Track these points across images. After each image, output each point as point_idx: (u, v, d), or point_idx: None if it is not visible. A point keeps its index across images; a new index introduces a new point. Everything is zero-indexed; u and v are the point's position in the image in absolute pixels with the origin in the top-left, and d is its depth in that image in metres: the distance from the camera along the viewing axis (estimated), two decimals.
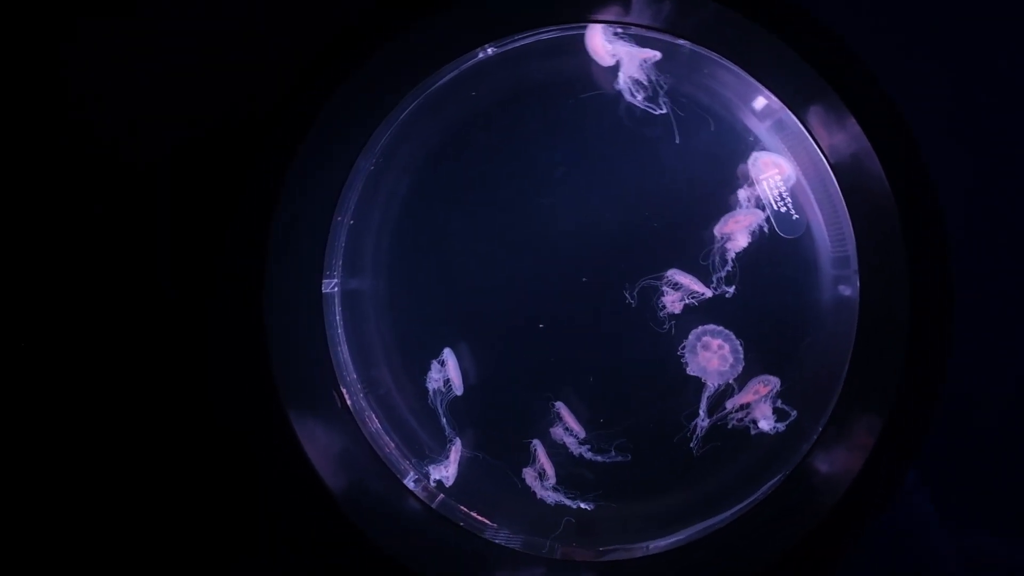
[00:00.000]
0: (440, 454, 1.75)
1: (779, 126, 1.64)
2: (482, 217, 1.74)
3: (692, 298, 1.64)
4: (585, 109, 1.69)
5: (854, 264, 1.56)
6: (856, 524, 1.39)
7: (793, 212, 1.63)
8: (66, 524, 1.66)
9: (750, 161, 1.64)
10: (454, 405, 1.75)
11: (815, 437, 1.57)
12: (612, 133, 1.68)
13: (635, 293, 1.65)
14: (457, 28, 1.60)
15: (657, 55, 1.63)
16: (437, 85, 1.70)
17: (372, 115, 1.68)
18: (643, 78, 1.64)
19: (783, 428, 1.63)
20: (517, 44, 1.68)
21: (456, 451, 1.74)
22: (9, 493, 1.65)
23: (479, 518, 1.74)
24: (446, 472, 1.73)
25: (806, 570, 1.39)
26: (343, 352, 1.76)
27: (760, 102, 1.64)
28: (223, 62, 1.61)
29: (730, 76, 1.63)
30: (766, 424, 1.63)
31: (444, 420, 1.75)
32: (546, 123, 1.71)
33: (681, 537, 1.65)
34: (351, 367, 1.77)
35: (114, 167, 1.64)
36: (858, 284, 1.56)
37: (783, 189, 1.63)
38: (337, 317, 1.76)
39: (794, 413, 1.62)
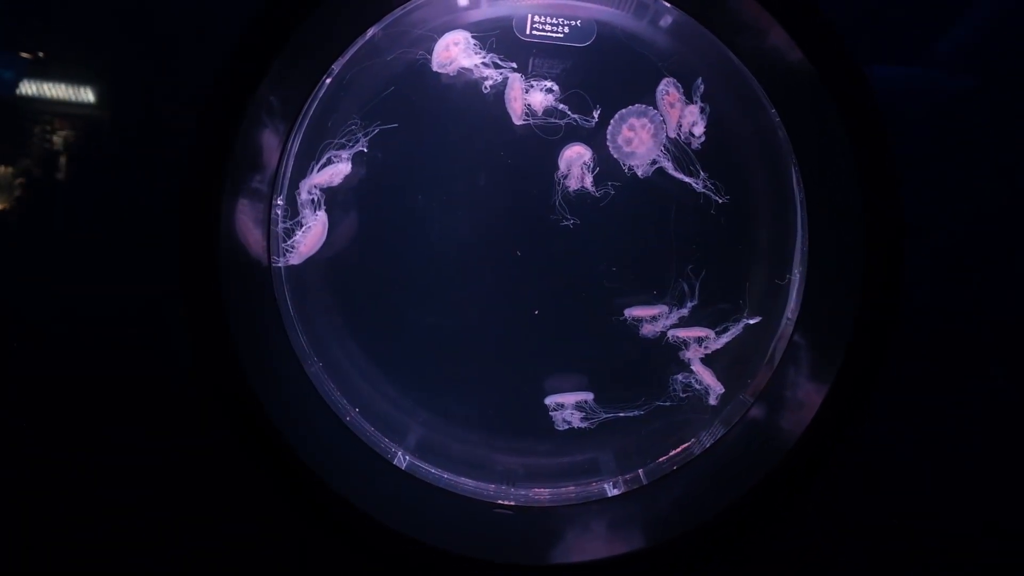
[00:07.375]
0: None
1: None
2: (408, 296, 1.73)
3: (591, 166, 1.66)
4: (381, 147, 1.67)
5: None
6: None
7: (575, 23, 1.66)
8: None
9: (437, 62, 1.64)
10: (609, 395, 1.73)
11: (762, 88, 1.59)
12: (411, 141, 1.68)
13: (566, 214, 1.66)
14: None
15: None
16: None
17: (271, 325, 1.66)
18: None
19: (707, 108, 1.64)
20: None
21: (699, 369, 1.71)
22: None
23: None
24: (715, 388, 1.71)
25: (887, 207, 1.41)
26: (466, 484, 1.73)
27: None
28: None
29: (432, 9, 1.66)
30: (701, 122, 1.63)
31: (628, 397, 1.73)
32: (366, 185, 1.69)
33: (797, 277, 1.66)
34: (482, 491, 1.73)
35: None
36: (669, 5, 1.61)
37: (546, 22, 1.65)
38: (433, 470, 1.73)
39: (700, 83, 1.63)
